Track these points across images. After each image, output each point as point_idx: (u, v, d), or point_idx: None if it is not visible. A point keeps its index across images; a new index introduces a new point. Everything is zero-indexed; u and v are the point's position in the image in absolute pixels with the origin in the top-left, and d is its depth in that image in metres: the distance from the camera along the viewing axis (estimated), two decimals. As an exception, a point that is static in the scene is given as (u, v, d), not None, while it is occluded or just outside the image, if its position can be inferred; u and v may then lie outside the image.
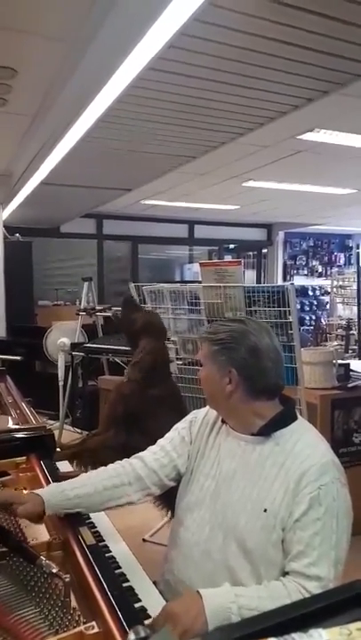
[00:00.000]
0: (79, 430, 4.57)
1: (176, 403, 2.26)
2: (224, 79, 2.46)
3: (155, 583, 1.19)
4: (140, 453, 1.38)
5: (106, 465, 1.37)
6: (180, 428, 1.40)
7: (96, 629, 0.90)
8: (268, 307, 2.54)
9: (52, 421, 4.50)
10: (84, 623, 0.92)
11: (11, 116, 3.11)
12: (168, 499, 1.95)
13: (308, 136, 3.57)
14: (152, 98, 2.64)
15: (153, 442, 1.41)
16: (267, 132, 3.31)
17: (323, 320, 9.15)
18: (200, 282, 2.87)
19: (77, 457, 1.93)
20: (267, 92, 2.62)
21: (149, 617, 1.00)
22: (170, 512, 2.10)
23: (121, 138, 3.32)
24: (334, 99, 2.77)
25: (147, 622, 0.92)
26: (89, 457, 2.00)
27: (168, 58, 2.14)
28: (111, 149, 3.59)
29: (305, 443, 1.21)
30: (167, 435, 1.41)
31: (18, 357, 2.58)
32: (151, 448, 1.39)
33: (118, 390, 2.24)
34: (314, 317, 9.31)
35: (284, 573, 1.14)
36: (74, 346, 4.43)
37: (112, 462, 1.37)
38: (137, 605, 1.06)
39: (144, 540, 2.74)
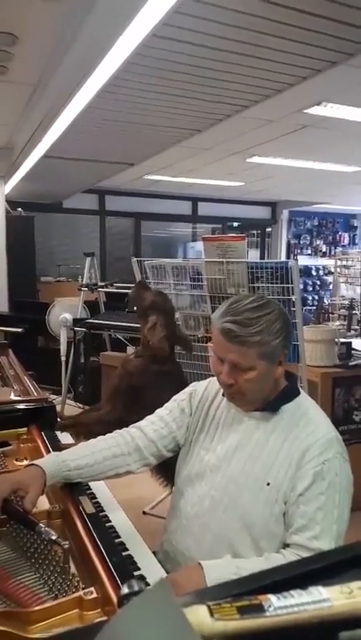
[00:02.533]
0: (81, 405, 4.61)
1: (179, 380, 2.27)
2: (231, 48, 2.39)
3: (154, 553, 1.20)
4: (139, 423, 1.38)
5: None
6: (179, 399, 1.40)
7: (95, 595, 0.91)
8: (272, 283, 2.52)
9: (54, 396, 4.52)
10: (83, 589, 0.93)
11: (12, 86, 3.05)
12: (166, 471, 1.98)
13: (314, 110, 3.49)
14: (156, 67, 2.58)
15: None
16: (273, 105, 3.24)
17: (326, 300, 9.12)
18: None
19: (73, 429, 1.95)
20: (274, 62, 2.55)
21: (149, 585, 1.01)
22: (169, 484, 2.13)
23: (124, 109, 3.25)
24: (343, 71, 2.70)
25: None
26: (83, 430, 2.01)
27: (173, 24, 2.08)
28: (114, 121, 3.52)
29: (309, 418, 1.21)
30: (166, 405, 1.40)
31: (19, 329, 2.58)
32: (150, 418, 1.38)
33: (124, 365, 2.25)
34: (317, 297, 9.28)
35: (285, 545, 1.14)
36: (76, 321, 4.43)
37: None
38: (136, 574, 1.07)
39: (144, 512, 2.78)
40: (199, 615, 0.29)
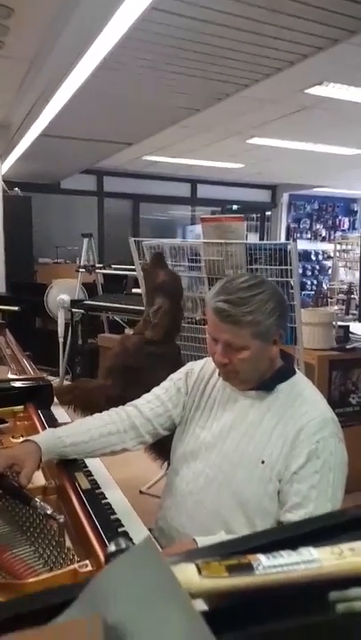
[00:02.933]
0: (78, 387, 4.60)
1: (175, 362, 2.27)
2: (231, 23, 2.35)
3: (150, 531, 1.21)
4: (135, 401, 1.38)
5: (98, 410, 1.37)
6: (175, 378, 1.40)
7: (90, 567, 0.92)
8: (270, 265, 2.50)
9: (52, 377, 4.53)
10: (78, 562, 0.94)
11: (8, 61, 2.99)
12: (162, 449, 1.98)
13: (315, 90, 3.44)
14: (155, 42, 2.53)
15: None
16: (273, 84, 3.19)
17: (324, 285, 9.11)
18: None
19: (71, 393, 1.93)
20: (275, 38, 2.51)
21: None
22: (164, 462, 2.13)
23: (122, 86, 3.20)
24: (344, 49, 2.65)
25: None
26: (82, 396, 1.99)
27: (172, -3, 2.04)
28: (112, 99, 3.46)
29: (305, 397, 1.21)
30: (163, 384, 1.40)
31: (15, 308, 2.56)
32: (146, 396, 1.39)
33: (122, 343, 2.23)
34: (316, 282, 9.26)
35: (279, 523, 1.15)
36: (74, 303, 4.42)
37: (104, 410, 1.36)
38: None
39: (141, 491, 2.80)
40: (187, 573, 0.29)
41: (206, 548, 0.35)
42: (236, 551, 0.31)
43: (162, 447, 1.78)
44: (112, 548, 0.32)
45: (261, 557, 0.31)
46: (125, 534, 1.14)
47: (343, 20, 2.35)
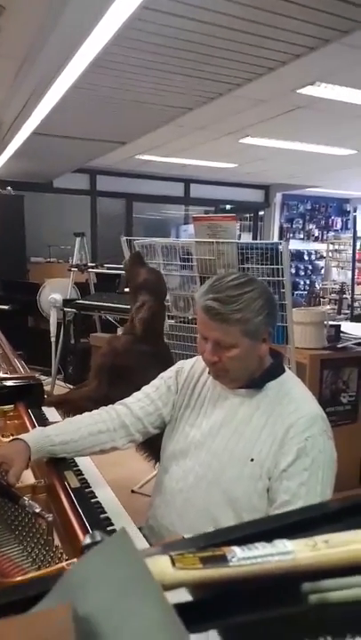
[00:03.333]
0: (71, 386, 4.60)
1: (165, 360, 2.28)
2: (223, 23, 2.35)
3: (140, 529, 1.21)
4: (125, 400, 1.38)
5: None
6: (166, 377, 1.40)
7: (77, 566, 0.92)
8: (262, 264, 2.51)
9: (44, 377, 4.52)
10: (67, 560, 0.94)
11: (-1, 59, 2.98)
12: (153, 448, 1.99)
13: (308, 90, 3.45)
14: (147, 41, 2.52)
15: None
16: (266, 84, 3.19)
17: (317, 284, 9.14)
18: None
19: (60, 405, 1.95)
20: (267, 38, 2.51)
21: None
22: (154, 460, 2.14)
23: (114, 85, 3.19)
24: (337, 49, 2.66)
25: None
26: (71, 407, 2.02)
27: (164, -4, 2.04)
28: (105, 97, 3.45)
29: (294, 395, 1.21)
30: (153, 382, 1.40)
31: (6, 307, 2.56)
32: (136, 395, 1.39)
33: (110, 343, 2.24)
34: (308, 282, 9.29)
35: None
36: (66, 302, 4.41)
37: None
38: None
39: (133, 491, 2.80)
40: (161, 565, 0.29)
41: (182, 541, 0.36)
42: (212, 543, 0.31)
43: (153, 446, 1.79)
44: (87, 540, 0.32)
45: (236, 549, 0.31)
46: (114, 532, 1.14)
47: (335, 21, 2.35)
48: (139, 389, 1.42)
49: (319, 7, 2.22)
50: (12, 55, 2.92)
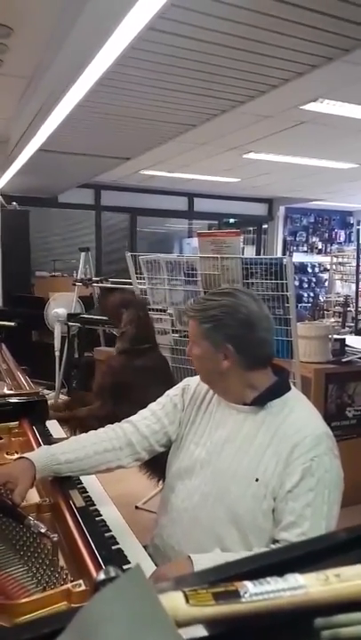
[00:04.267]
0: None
1: (163, 374, 2.33)
2: (226, 42, 2.38)
3: (145, 547, 1.20)
4: (131, 417, 1.38)
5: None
6: (172, 394, 1.40)
7: (83, 587, 0.91)
8: (266, 279, 2.52)
9: (48, 391, 4.52)
10: (72, 581, 0.93)
11: (7, 79, 3.03)
12: (156, 467, 2.00)
13: (311, 106, 3.49)
14: (152, 61, 2.56)
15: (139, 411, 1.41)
16: (269, 101, 3.23)
17: (321, 297, 9.14)
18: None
19: (66, 422, 1.98)
20: (270, 57, 2.54)
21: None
22: (159, 480, 2.15)
23: (120, 103, 3.23)
24: (339, 67, 2.69)
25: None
26: (77, 424, 2.06)
27: (170, 17, 2.07)
28: (110, 115, 3.50)
29: (298, 413, 1.21)
30: (159, 400, 1.40)
31: (12, 323, 2.58)
32: (142, 412, 1.38)
33: (108, 362, 2.30)
34: (312, 294, 9.29)
35: (274, 541, 1.15)
36: (70, 316, 4.42)
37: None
38: (125, 567, 1.07)
39: (137, 507, 2.78)
40: (174, 601, 0.29)
41: (194, 575, 0.35)
42: (225, 577, 0.31)
43: (156, 464, 1.80)
44: (101, 576, 0.32)
45: (248, 584, 0.31)
46: (120, 552, 1.13)
47: (338, 39, 2.39)
48: (141, 404, 1.43)
49: (321, 26, 2.25)
50: (20, 74, 2.97)
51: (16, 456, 1.42)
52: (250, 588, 0.31)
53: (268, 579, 0.31)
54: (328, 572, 0.31)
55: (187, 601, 0.29)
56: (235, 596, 0.30)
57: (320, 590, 0.31)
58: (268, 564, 0.33)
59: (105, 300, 2.54)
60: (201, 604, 0.29)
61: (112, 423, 1.39)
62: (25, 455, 1.22)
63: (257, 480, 1.15)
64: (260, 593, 0.30)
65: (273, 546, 1.13)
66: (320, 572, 0.31)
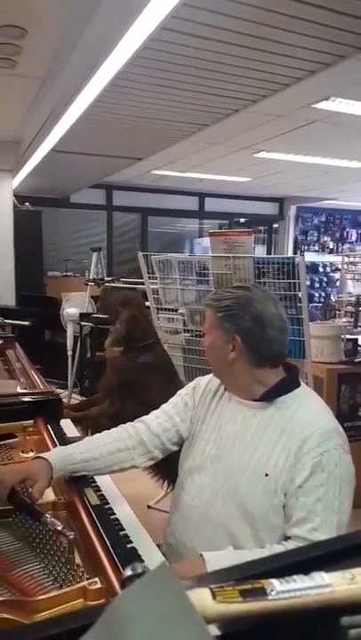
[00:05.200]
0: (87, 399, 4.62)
1: (166, 369, 2.37)
2: (238, 41, 2.38)
3: (158, 546, 1.21)
4: (144, 417, 1.38)
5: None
6: (183, 393, 1.41)
7: (99, 585, 0.91)
8: (278, 279, 2.51)
9: (60, 390, 4.54)
10: (88, 579, 0.94)
11: (20, 79, 3.05)
12: (164, 469, 2.02)
13: (323, 105, 3.47)
14: (164, 61, 2.57)
15: (146, 408, 1.43)
16: (281, 100, 3.22)
17: (332, 297, 9.09)
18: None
19: (80, 422, 2.00)
20: (282, 55, 2.54)
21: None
22: (166, 482, 2.17)
23: (131, 103, 3.25)
24: (351, 65, 2.68)
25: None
26: (90, 423, 2.09)
27: (181, 17, 2.07)
28: (122, 115, 3.51)
29: (308, 409, 1.21)
30: (171, 400, 1.41)
31: (26, 322, 2.61)
32: (154, 412, 1.39)
33: (111, 362, 2.34)
34: (323, 294, 9.24)
35: (286, 538, 1.14)
36: (83, 316, 4.44)
37: (110, 429, 1.37)
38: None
39: (149, 506, 2.79)
40: (202, 597, 0.29)
41: (219, 572, 0.36)
42: (250, 575, 0.31)
43: (164, 467, 1.83)
44: (128, 572, 0.32)
45: (275, 582, 0.31)
46: (134, 550, 1.13)
47: (350, 37, 2.37)
48: (147, 400, 1.45)
49: (333, 24, 2.24)
50: (33, 75, 2.99)
51: (31, 454, 1.43)
52: (276, 586, 0.31)
53: (295, 577, 0.31)
54: (354, 571, 0.31)
55: (214, 597, 0.30)
56: (261, 593, 0.30)
57: (346, 589, 0.31)
58: (294, 563, 0.33)
59: (105, 298, 2.59)
60: (228, 600, 0.30)
61: (122, 420, 1.40)
62: (41, 455, 1.23)
63: (267, 475, 1.15)
64: (287, 591, 0.30)
65: (285, 542, 1.13)
66: (346, 570, 0.31)
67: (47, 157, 4.52)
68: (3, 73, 2.91)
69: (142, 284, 3.36)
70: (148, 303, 3.09)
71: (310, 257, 9.06)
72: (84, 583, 0.92)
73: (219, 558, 1.08)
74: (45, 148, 4.21)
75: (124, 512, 1.28)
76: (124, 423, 1.40)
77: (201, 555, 1.10)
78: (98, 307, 2.84)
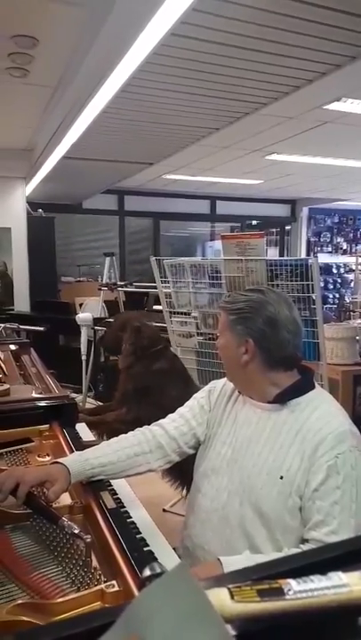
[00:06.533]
0: (101, 404, 4.65)
1: (180, 373, 2.40)
2: (248, 45, 2.39)
3: (174, 549, 1.21)
4: (161, 421, 1.39)
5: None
6: (199, 397, 1.41)
7: (116, 588, 0.92)
8: (291, 281, 2.50)
9: (75, 395, 4.57)
10: (105, 582, 0.94)
11: (32, 88, 3.09)
12: (179, 474, 2.03)
13: (334, 106, 3.46)
14: (174, 66, 2.58)
15: (163, 412, 1.44)
16: (292, 102, 3.22)
17: (347, 298, 9.02)
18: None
19: (95, 427, 2.02)
20: (293, 58, 2.54)
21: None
22: (181, 487, 2.18)
23: (142, 109, 3.27)
24: (363, 65, 2.67)
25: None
26: (106, 428, 2.10)
27: (191, 22, 2.09)
28: (133, 121, 3.54)
29: (322, 411, 1.20)
30: (187, 403, 1.42)
31: (41, 328, 2.64)
32: (171, 416, 1.40)
33: (127, 370, 2.37)
34: (338, 295, 9.17)
35: (303, 541, 1.14)
36: (97, 320, 4.47)
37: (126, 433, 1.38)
38: (157, 568, 1.08)
39: (164, 510, 2.79)
40: (220, 597, 0.29)
41: (237, 572, 0.36)
42: (267, 575, 0.31)
43: (179, 472, 1.84)
44: (147, 572, 0.32)
45: (292, 582, 0.31)
46: (151, 553, 1.14)
47: (360, 38, 2.37)
48: (164, 404, 1.45)
49: (343, 25, 2.24)
50: (45, 84, 3.03)
51: (47, 458, 1.44)
52: (294, 586, 0.31)
53: (312, 577, 0.32)
54: (371, 571, 0.31)
55: (232, 597, 0.30)
56: (279, 593, 0.31)
57: (364, 589, 0.31)
58: (311, 563, 0.33)
59: (103, 337, 2.65)
60: (246, 600, 0.30)
61: (140, 426, 1.41)
62: (59, 460, 1.24)
63: (281, 478, 1.15)
64: (304, 590, 0.31)
65: (302, 546, 1.13)
66: (363, 570, 0.31)
67: (59, 164, 4.56)
68: (15, 82, 2.95)
69: (155, 287, 3.37)
70: (159, 307, 3.11)
71: (324, 258, 9.00)
72: (102, 586, 0.92)
73: (235, 562, 1.08)
74: (58, 154, 4.26)
75: (140, 515, 1.29)
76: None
77: (218, 559, 1.10)
78: (103, 348, 2.88)
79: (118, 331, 2.43)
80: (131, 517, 1.27)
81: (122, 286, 4.83)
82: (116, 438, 1.36)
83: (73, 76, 2.77)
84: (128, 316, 2.62)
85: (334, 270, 9.28)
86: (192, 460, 1.40)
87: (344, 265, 9.35)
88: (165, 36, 2.09)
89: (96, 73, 2.56)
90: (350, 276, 9.30)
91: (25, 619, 0.84)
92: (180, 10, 1.87)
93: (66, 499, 1.26)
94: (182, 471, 1.43)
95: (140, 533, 1.21)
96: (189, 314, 3.03)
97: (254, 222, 9.10)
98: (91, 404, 4.67)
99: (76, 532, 1.04)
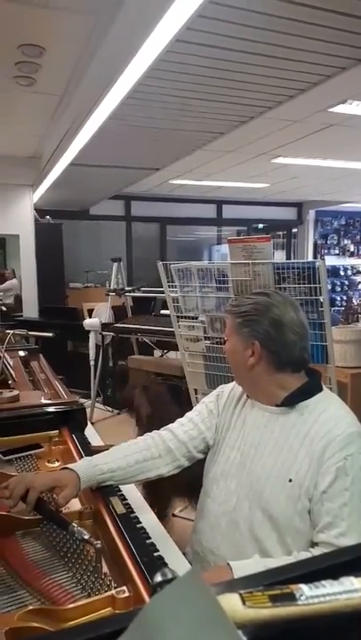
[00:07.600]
0: (110, 409, 4.66)
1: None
2: (254, 49, 2.40)
3: (184, 554, 1.20)
4: (170, 425, 1.39)
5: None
6: (207, 401, 1.41)
7: (127, 594, 0.92)
8: (298, 284, 2.49)
9: (83, 400, 4.58)
10: (115, 588, 0.94)
11: (39, 96, 3.12)
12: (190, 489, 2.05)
13: (339, 108, 3.46)
14: (179, 72, 2.60)
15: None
16: (297, 105, 3.22)
17: (354, 300, 8.97)
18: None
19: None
20: (298, 61, 2.54)
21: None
22: (186, 499, 2.20)
23: (148, 115, 3.29)
24: (368, 68, 2.66)
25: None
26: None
27: (196, 28, 2.10)
28: (138, 127, 3.56)
29: (330, 413, 1.20)
30: (195, 407, 1.42)
31: (50, 334, 2.65)
32: (180, 420, 1.40)
33: (141, 396, 2.55)
34: (345, 298, 9.13)
35: (313, 544, 1.14)
36: (105, 326, 4.49)
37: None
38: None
39: (174, 514, 2.78)
40: (231, 603, 0.29)
41: (248, 578, 0.36)
42: (278, 580, 0.31)
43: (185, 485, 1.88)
44: (158, 577, 0.33)
45: (304, 587, 0.31)
46: (161, 559, 1.13)
47: (365, 41, 2.37)
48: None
49: (348, 28, 2.24)
50: (51, 92, 3.05)
51: (57, 464, 1.45)
52: (306, 591, 0.31)
53: (324, 582, 0.31)
54: (384, 576, 0.31)
55: (243, 603, 0.30)
56: (291, 598, 0.30)
57: (376, 594, 0.30)
58: (323, 568, 0.33)
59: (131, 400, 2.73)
60: (258, 605, 0.30)
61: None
62: (68, 466, 1.24)
63: (290, 481, 1.15)
64: (316, 596, 0.30)
65: (312, 549, 1.12)
66: (375, 575, 0.31)
67: (66, 171, 4.59)
68: (22, 90, 2.98)
69: (162, 292, 3.37)
70: (167, 312, 3.13)
71: (331, 260, 8.98)
72: (112, 592, 0.92)
73: (245, 567, 1.08)
74: (64, 162, 4.29)
75: (149, 520, 1.28)
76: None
77: (228, 564, 1.10)
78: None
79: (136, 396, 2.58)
80: (140, 522, 1.27)
81: (129, 291, 4.85)
82: (125, 443, 1.37)
83: (79, 83, 2.79)
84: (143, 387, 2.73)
85: (342, 272, 9.25)
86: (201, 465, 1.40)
87: (351, 267, 9.32)
88: (171, 42, 2.10)
89: (102, 80, 2.58)
90: (358, 278, 9.27)
91: (36, 625, 0.84)
92: (186, 16, 1.88)
93: (75, 504, 1.26)
94: (188, 484, 1.44)
95: (150, 538, 1.21)
96: (197, 318, 3.02)
97: (261, 226, 9.10)
98: (99, 408, 4.69)
99: (86, 537, 1.04)
